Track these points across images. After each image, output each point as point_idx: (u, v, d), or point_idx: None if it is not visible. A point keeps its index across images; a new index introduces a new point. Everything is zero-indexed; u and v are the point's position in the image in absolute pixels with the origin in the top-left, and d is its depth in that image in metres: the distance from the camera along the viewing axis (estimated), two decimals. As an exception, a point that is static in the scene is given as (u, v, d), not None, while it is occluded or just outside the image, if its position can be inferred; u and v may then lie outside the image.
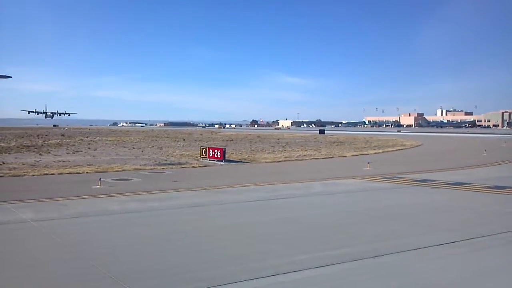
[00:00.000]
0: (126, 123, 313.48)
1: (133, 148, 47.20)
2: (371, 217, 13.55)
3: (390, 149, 48.11)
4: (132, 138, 74.10)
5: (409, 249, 9.69)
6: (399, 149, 48.32)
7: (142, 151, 41.87)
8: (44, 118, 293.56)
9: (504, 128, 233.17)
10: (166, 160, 31.93)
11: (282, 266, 8.48)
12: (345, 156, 38.06)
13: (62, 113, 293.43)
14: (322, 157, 36.87)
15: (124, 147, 48.97)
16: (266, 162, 32.08)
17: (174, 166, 27.83)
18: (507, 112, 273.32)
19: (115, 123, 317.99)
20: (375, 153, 42.20)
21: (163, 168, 26.65)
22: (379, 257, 9.16)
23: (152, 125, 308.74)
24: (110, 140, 64.19)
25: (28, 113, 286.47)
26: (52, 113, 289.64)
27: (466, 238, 10.60)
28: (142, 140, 67.21)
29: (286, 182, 20.90)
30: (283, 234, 11.33)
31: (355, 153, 40.93)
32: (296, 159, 34.44)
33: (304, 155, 38.44)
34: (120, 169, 25.50)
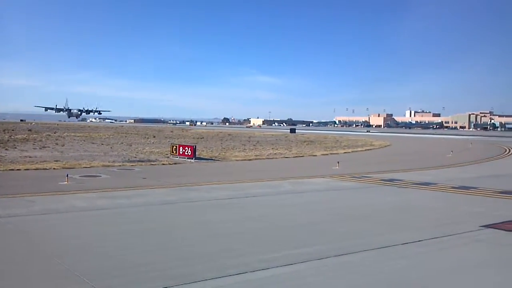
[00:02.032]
0: (95, 119, 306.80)
1: (102, 144, 46.58)
2: (338, 215, 13.70)
3: (359, 149, 48.68)
4: (101, 134, 73.11)
5: (375, 248, 9.84)
6: (368, 149, 48.93)
7: (111, 148, 41.34)
8: (67, 116, 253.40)
9: (471, 129, 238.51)
10: (135, 157, 31.62)
11: (250, 264, 8.51)
12: (315, 155, 38.34)
13: (92, 110, 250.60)
14: (292, 156, 37.07)
15: (93, 143, 48.26)
16: (236, 160, 32.09)
17: (143, 163, 27.59)
18: (474, 114, 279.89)
19: (84, 119, 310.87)
20: (344, 152, 42.63)
21: (132, 165, 26.39)
22: (345, 255, 9.27)
23: (122, 121, 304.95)
24: (78, 136, 63.18)
25: (45, 110, 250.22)
26: (79, 110, 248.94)
27: (431, 237, 10.82)
28: (111, 136, 66.37)
29: (256, 181, 20.95)
30: (251, 232, 11.36)
31: (325, 152, 41.28)
32: (266, 158, 34.54)
33: (275, 153, 38.58)
34: (88, 166, 25.14)
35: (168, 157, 31.72)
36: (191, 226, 11.89)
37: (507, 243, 10.60)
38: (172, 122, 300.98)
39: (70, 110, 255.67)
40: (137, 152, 36.23)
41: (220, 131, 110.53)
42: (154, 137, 67.36)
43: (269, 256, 9.08)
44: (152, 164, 27.37)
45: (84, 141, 52.15)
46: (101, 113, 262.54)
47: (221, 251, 9.47)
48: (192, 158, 30.19)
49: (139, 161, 29.01)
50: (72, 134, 69.96)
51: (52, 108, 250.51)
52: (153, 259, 8.82)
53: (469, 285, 7.80)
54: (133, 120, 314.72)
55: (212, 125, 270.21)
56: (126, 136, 67.36)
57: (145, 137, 66.73)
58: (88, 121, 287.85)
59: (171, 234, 11.05)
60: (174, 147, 32.60)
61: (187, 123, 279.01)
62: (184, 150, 31.27)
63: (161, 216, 13.16)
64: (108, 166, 25.51)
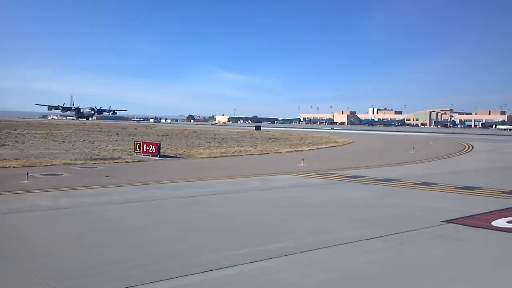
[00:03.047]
0: (57, 116, 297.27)
1: (64, 142, 45.58)
2: (303, 212, 13.81)
3: (323, 146, 49.18)
4: (62, 131, 71.53)
5: (339, 244, 9.97)
6: (332, 146, 49.49)
7: (72, 145, 40.52)
8: (76, 117, 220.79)
9: (432, 127, 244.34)
10: (98, 155, 31.08)
11: (216, 262, 8.50)
12: (281, 152, 38.54)
13: (106, 110, 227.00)
14: (258, 153, 37.16)
15: (54, 140, 47.20)
16: (202, 157, 31.95)
17: (106, 161, 27.16)
18: (434, 111, 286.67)
19: (45, 116, 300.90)
20: (309, 149, 42.98)
21: (94, 163, 25.94)
22: (310, 251, 9.37)
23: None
24: (39, 134, 61.68)
25: (49, 109, 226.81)
26: (92, 109, 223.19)
27: (393, 233, 11.03)
28: (73, 133, 65.05)
29: (222, 178, 20.91)
30: (217, 229, 11.34)
31: (290, 150, 41.54)
32: (232, 155, 34.51)
33: (240, 151, 38.59)
34: (49, 164, 24.57)
35: (132, 155, 31.30)
36: (156, 225, 11.78)
37: (466, 238, 10.89)
38: (135, 119, 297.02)
39: (80, 109, 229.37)
40: (100, 150, 35.63)
41: (185, 128, 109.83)
42: (117, 134, 66.38)
43: (235, 253, 9.09)
44: (115, 162, 26.97)
45: (45, 138, 50.94)
46: (116, 113, 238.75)
47: (186, 249, 9.42)
48: (157, 156, 29.90)
49: (101, 159, 28.54)
50: (33, 131, 68.20)
51: (57, 107, 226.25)
52: (118, 258, 8.70)
53: (430, 279, 7.98)
54: (95, 117, 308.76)
55: (176, 122, 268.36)
56: (88, 134, 66.14)
57: (108, 134, 65.68)
58: (49, 118, 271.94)
59: (136, 232, 10.92)
60: (138, 144, 32.20)
61: (151, 120, 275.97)
62: (148, 148, 30.92)
63: (125, 215, 12.99)
64: (70, 164, 25.00)
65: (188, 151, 36.83)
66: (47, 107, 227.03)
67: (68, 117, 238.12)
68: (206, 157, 32.08)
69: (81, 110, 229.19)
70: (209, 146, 43.47)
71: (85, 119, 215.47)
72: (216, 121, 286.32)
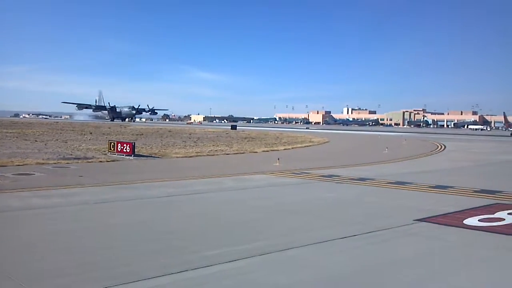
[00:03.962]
0: (29, 114, 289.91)
1: (36, 141, 44.81)
2: (279, 211, 13.89)
3: (299, 145, 49.42)
4: (35, 130, 70.30)
5: (315, 242, 10.07)
6: (307, 146, 49.77)
7: (45, 145, 39.87)
8: (110, 117, 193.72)
9: (405, 126, 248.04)
10: (71, 154, 30.67)
11: (192, 262, 8.50)
12: (256, 152, 38.61)
13: (145, 109, 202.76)
14: (233, 152, 37.15)
15: (26, 140, 46.36)
16: (177, 157, 31.80)
17: (79, 161, 26.82)
18: (407, 111, 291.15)
19: (17, 115, 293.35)
20: (284, 149, 43.16)
21: (68, 163, 25.59)
22: (286, 250, 9.44)
23: (57, 117, 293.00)
24: (10, 133, 60.53)
25: (78, 107, 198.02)
26: (132, 108, 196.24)
27: (367, 231, 11.18)
28: (45, 133, 63.99)
29: (197, 178, 20.86)
30: (193, 229, 11.34)
31: (265, 149, 41.64)
32: (207, 154, 34.44)
33: (216, 150, 38.52)
34: (21, 163, 24.14)
35: (106, 154, 30.98)
36: (132, 225, 11.71)
37: (438, 237, 11.10)
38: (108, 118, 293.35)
39: (115, 108, 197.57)
40: (73, 149, 35.15)
41: (160, 127, 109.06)
42: (91, 133, 65.57)
43: (211, 253, 9.10)
44: (89, 162, 26.65)
45: (17, 137, 50.00)
46: (156, 113, 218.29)
47: (162, 250, 9.39)
48: (131, 155, 29.65)
49: (75, 158, 28.16)
50: (4, 130, 66.91)
51: (87, 106, 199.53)
52: (93, 259, 8.63)
53: (403, 278, 8.13)
54: (68, 116, 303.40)
55: (151, 121, 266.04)
56: (61, 133, 65.15)
57: (82, 133, 64.83)
58: (21, 117, 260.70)
59: (111, 233, 10.84)
60: (112, 144, 31.86)
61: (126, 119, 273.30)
62: (122, 147, 30.63)
63: (99, 215, 12.86)
64: (43, 163, 24.61)
65: (163, 150, 36.60)
66: (76, 106, 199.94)
67: (98, 118, 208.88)
68: (182, 157, 31.95)
69: (118, 109, 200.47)
70: (185, 146, 43.28)
71: (120, 120, 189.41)
72: (192, 121, 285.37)
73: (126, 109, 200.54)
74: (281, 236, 10.70)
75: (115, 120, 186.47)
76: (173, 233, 10.91)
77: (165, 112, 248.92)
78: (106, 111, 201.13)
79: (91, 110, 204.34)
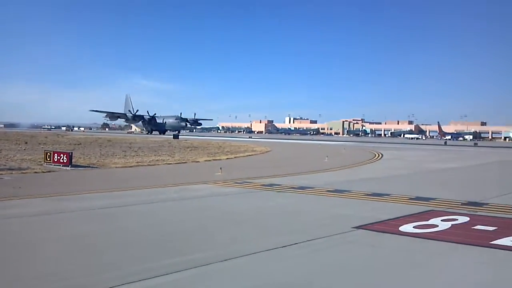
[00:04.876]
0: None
1: (-34, 151, 42.67)
2: (222, 221, 13.88)
3: (241, 154, 49.58)
4: (-36, 140, 66.92)
5: (256, 252, 10.13)
6: (250, 155, 50.01)
7: (-24, 155, 38.02)
8: (146, 129, 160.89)
9: (345, 135, 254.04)
10: (5, 165, 29.37)
11: (131, 276, 8.34)
12: (199, 161, 38.41)
13: (197, 120, 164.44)
14: (175, 162, 36.80)
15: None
16: (116, 167, 31.13)
17: (14, 172, 25.74)
18: (347, 121, 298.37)
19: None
20: (227, 158, 43.19)
21: (1, 174, 24.52)
22: (229, 260, 9.44)
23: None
24: None
25: (108, 117, 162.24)
26: (181, 119, 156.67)
27: (307, 240, 11.35)
28: (-23, 142, 61.04)
29: (138, 188, 20.50)
30: (133, 242, 11.13)
31: (208, 158, 41.49)
32: (148, 164, 33.93)
33: (157, 160, 38.02)
34: (-51, 175, 22.91)
35: (42, 164, 29.92)
36: (70, 238, 11.35)
37: (375, 243, 11.43)
38: (46, 127, 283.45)
39: (155, 118, 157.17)
40: (7, 160, 33.67)
41: (99, 137, 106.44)
42: (26, 143, 63.06)
43: (152, 265, 8.96)
44: (24, 173, 25.65)
45: None
46: (201, 124, 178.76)
47: (101, 264, 9.16)
48: (68, 166, 28.80)
49: (8, 169, 27.00)
50: None
51: (120, 115, 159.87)
52: (32, 274, 8.30)
53: (343, 284, 8.31)
54: (3, 125, 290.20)
55: (90, 130, 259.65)
56: (-6, 142, 62.35)
57: (16, 143, 62.26)
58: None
59: (47, 246, 10.47)
60: (49, 154, 30.83)
61: (63, 128, 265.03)
62: (59, 157, 29.69)
63: (37, 228, 12.41)
64: (-27, 175, 23.47)
65: (102, 160, 35.74)
66: (105, 115, 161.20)
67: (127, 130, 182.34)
68: (121, 167, 31.31)
69: (159, 120, 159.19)
70: (125, 155, 42.43)
71: (160, 133, 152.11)
72: (133, 130, 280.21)
73: (171, 120, 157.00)
74: (224, 246, 10.69)
75: (153, 133, 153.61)
76: (112, 246, 10.67)
77: (210, 121, 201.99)
78: (141, 122, 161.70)
79: (123, 120, 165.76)
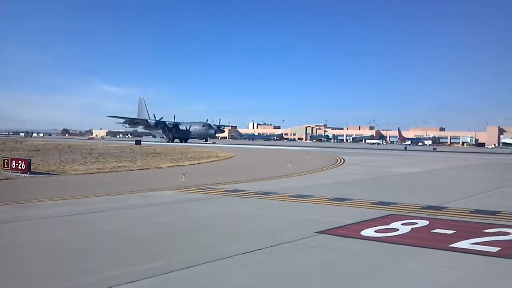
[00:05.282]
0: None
1: None
2: (184, 228, 13.78)
3: (205, 160, 49.37)
4: None
5: (219, 258, 10.09)
6: (213, 160, 49.86)
7: None
8: (168, 138, 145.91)
9: (308, 141, 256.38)
10: (-41, 173, 28.43)
11: (94, 284, 8.19)
12: (161, 168, 38.07)
13: (220, 127, 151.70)
14: (137, 168, 36.35)
15: None
16: (76, 174, 30.53)
17: (-31, 179, 24.92)
18: (310, 126, 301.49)
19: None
20: (190, 164, 42.94)
21: (-45, 182, 23.70)
22: (192, 267, 9.37)
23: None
24: None
25: (130, 123, 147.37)
26: (209, 125, 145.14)
27: (270, 245, 11.39)
28: None
29: (99, 195, 20.15)
30: (96, 249, 10.92)
31: (171, 164, 41.16)
32: (110, 171, 33.40)
33: (119, 166, 37.48)
34: None
35: (-1, 172, 29.06)
36: (33, 246, 11.06)
37: (338, 248, 11.55)
38: (4, 133, 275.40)
39: (177, 125, 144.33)
40: (-38, 167, 32.55)
41: (59, 143, 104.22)
42: (-18, 149, 61.17)
43: (114, 273, 8.81)
44: (-20, 180, 24.86)
45: None
46: (224, 131, 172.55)
47: (63, 271, 8.95)
48: (27, 173, 28.09)
49: (-37, 177, 26.13)
50: None
51: (140, 121, 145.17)
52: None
53: (305, 289, 8.37)
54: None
55: (50, 136, 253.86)
56: None
57: (-28, 149, 60.30)
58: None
59: (9, 254, 10.16)
60: (6, 160, 30.02)
61: (22, 134, 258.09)
62: (17, 164, 28.93)
63: (-9, 238, 12.03)
64: None
65: (62, 167, 35.00)
66: (124, 121, 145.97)
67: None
68: (82, 173, 30.72)
69: (183, 127, 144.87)
70: (85, 162, 41.67)
71: (181, 141, 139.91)
72: (94, 135, 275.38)
73: (198, 127, 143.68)
74: (187, 253, 10.61)
75: (174, 141, 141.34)
76: (74, 253, 10.45)
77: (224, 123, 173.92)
78: (160, 130, 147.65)
79: (142, 127, 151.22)
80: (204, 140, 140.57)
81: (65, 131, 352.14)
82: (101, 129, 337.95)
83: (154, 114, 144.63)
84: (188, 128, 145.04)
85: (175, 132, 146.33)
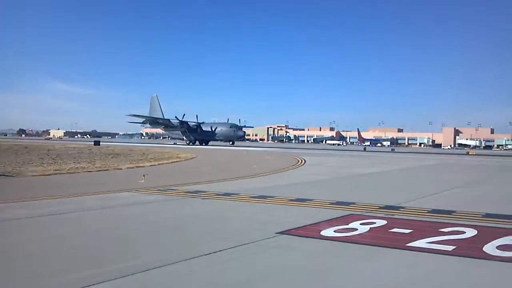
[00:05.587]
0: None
1: None
2: (143, 231, 13.57)
3: (165, 161, 48.91)
4: None
5: (175, 262, 9.95)
6: (174, 161, 49.45)
7: None
8: (189, 140, 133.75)
9: (270, 142, 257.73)
10: None
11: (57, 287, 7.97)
12: (121, 169, 37.46)
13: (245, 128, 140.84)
14: (96, 169, 35.66)
15: None
16: (33, 175, 29.70)
17: None
18: (271, 127, 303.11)
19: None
20: (151, 165, 42.44)
21: None
22: (147, 271, 9.23)
23: None
24: None
25: (149, 123, 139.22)
26: (237, 126, 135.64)
27: (231, 247, 11.34)
28: None
29: (56, 197, 19.64)
30: (54, 253, 10.62)
31: (131, 166, 40.57)
32: (67, 172, 32.62)
33: (77, 167, 36.69)
34: None
35: (-50, 173, 28.00)
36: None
37: (298, 248, 11.62)
38: None
39: (200, 126, 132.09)
40: None
41: (15, 143, 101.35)
42: None
43: (77, 276, 8.59)
44: None
45: None
46: (245, 132, 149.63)
47: (21, 276, 8.67)
48: (-20, 175, 27.13)
49: None
50: None
51: (162, 121, 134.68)
52: None
53: (265, 290, 8.38)
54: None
55: (5, 137, 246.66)
56: None
57: None
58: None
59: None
60: (-42, 162, 28.88)
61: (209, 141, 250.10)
62: (-30, 166, 27.92)
63: None
64: None
65: (18, 168, 34.01)
66: (144, 120, 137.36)
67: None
68: (39, 175, 29.91)
69: (206, 128, 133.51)
70: (42, 163, 40.62)
71: (201, 144, 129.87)
72: (51, 136, 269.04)
73: (224, 128, 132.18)
74: (142, 257, 10.45)
75: (196, 143, 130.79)
76: (31, 256, 10.12)
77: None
78: (179, 131, 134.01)
79: (163, 127, 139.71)
80: (230, 142, 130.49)
81: (21, 131, 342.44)
82: (58, 129, 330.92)
83: (162, 112, 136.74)
84: (213, 129, 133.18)
85: (198, 133, 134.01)
